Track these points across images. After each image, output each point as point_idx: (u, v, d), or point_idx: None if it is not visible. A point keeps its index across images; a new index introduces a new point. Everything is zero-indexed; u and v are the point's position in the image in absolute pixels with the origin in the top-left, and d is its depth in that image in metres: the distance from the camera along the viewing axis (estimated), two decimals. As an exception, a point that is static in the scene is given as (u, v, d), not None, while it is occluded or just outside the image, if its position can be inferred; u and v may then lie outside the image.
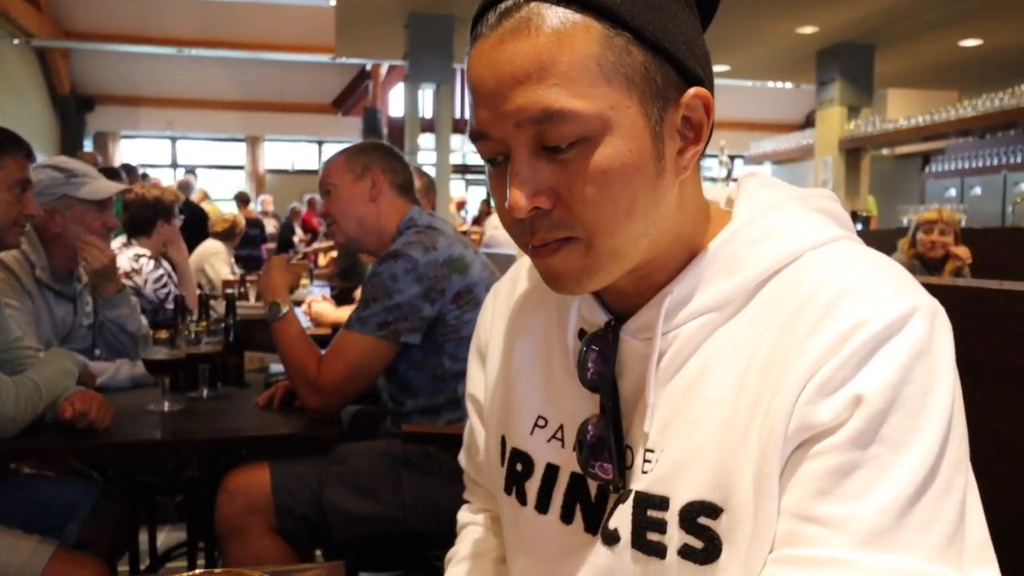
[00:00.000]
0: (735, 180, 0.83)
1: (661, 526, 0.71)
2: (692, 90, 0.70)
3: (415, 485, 1.84)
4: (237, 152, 15.64)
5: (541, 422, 0.85)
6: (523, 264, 0.96)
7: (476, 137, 0.71)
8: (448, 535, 1.78)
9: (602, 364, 0.77)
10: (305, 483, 1.80)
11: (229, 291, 2.46)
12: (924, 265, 4.29)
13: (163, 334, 1.94)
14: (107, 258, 2.26)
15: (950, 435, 0.63)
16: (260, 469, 1.82)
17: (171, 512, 3.28)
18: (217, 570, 0.65)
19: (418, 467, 1.86)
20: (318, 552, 2.09)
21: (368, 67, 13.87)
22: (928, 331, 0.64)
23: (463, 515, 1.07)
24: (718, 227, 0.76)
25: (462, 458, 1.03)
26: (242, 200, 9.90)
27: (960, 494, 0.62)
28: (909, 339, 0.63)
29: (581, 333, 0.81)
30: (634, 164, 0.67)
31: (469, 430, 1.00)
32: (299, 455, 1.87)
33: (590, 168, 0.67)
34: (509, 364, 0.90)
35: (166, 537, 3.13)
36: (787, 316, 0.68)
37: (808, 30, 8.44)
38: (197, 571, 0.64)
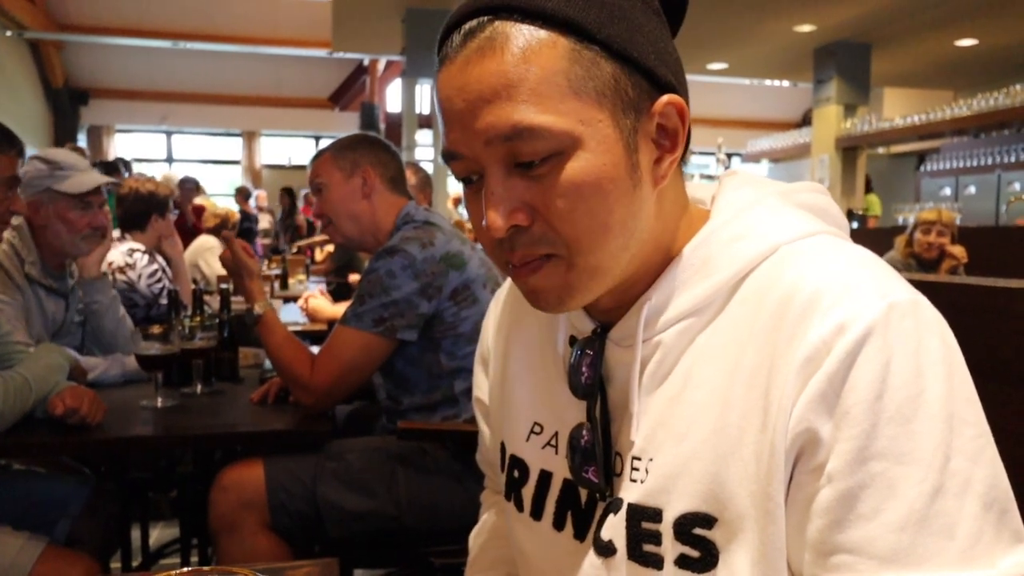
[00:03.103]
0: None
1: (656, 538, 0.71)
2: (664, 98, 0.70)
3: (410, 481, 1.83)
4: (233, 147, 15.59)
5: (537, 428, 0.85)
6: None
7: (448, 157, 0.71)
8: (444, 531, 1.79)
9: (595, 373, 0.77)
10: (299, 479, 1.79)
11: (224, 286, 2.44)
12: (920, 264, 4.30)
13: (156, 329, 1.93)
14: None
15: (955, 430, 0.61)
16: (254, 465, 1.81)
17: (164, 509, 3.27)
18: (208, 568, 0.64)
19: (413, 463, 1.85)
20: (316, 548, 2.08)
21: (365, 62, 13.83)
22: (912, 328, 0.62)
23: (486, 496, 1.10)
24: (697, 229, 0.75)
25: (478, 458, 1.06)
26: (242, 194, 9.92)
27: (982, 486, 0.61)
28: (891, 342, 0.62)
29: (572, 340, 0.80)
30: (608, 177, 0.67)
31: (480, 432, 1.02)
32: (294, 451, 1.85)
33: (564, 182, 0.66)
34: (506, 371, 0.91)
35: (159, 534, 3.12)
36: (767, 319, 0.67)
37: (805, 28, 8.45)
38: (187, 569, 0.63)
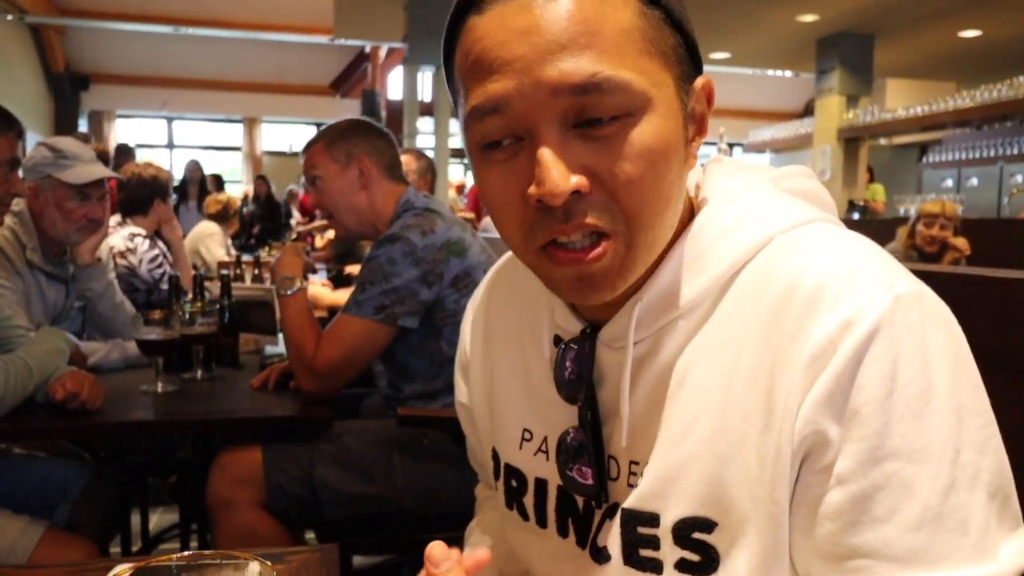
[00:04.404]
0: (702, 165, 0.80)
1: (654, 542, 0.69)
2: (702, 79, 0.68)
3: (407, 466, 1.83)
4: (234, 133, 15.57)
5: (527, 435, 0.82)
6: (496, 274, 0.93)
7: (487, 111, 0.63)
8: (442, 516, 1.79)
9: (579, 368, 0.74)
10: (297, 461, 1.80)
11: (224, 272, 2.44)
12: (921, 257, 4.29)
13: (157, 314, 1.93)
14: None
15: (964, 421, 0.60)
16: (253, 447, 1.82)
17: (164, 494, 3.28)
18: (208, 552, 0.64)
19: (411, 449, 1.85)
20: (310, 535, 2.08)
21: (367, 49, 13.78)
22: (917, 321, 0.61)
23: (480, 490, 1.08)
24: (685, 220, 0.72)
25: (469, 456, 1.04)
26: (217, 182, 9.55)
27: (988, 475, 0.60)
28: (897, 337, 0.60)
29: (557, 340, 0.78)
30: (673, 146, 0.64)
31: (467, 435, 1.00)
32: (294, 437, 1.86)
33: (635, 145, 0.61)
34: (492, 378, 0.88)
35: (158, 519, 3.12)
36: (766, 314, 0.65)
37: (808, 18, 8.42)
38: (186, 553, 0.63)
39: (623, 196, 0.62)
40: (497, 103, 0.62)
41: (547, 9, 0.60)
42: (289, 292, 1.91)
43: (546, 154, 0.61)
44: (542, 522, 0.81)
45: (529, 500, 0.82)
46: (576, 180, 0.61)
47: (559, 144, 0.61)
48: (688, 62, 0.67)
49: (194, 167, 7.70)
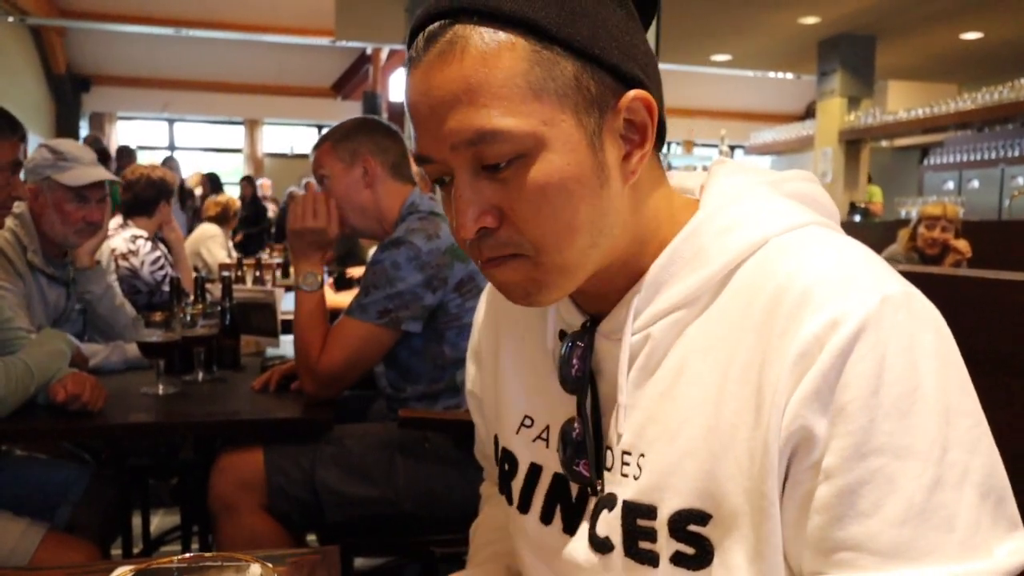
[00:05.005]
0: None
1: (651, 535, 0.71)
2: (631, 93, 0.69)
3: (409, 469, 1.83)
4: (235, 135, 15.58)
5: (528, 422, 0.85)
6: None
7: (420, 161, 0.71)
8: (444, 519, 1.79)
9: (584, 366, 0.77)
10: (298, 463, 1.80)
11: (225, 274, 2.44)
12: (922, 259, 4.29)
13: (158, 316, 1.93)
14: None
15: (952, 422, 0.61)
16: (254, 448, 1.82)
17: (165, 496, 3.28)
18: (209, 554, 0.64)
19: (413, 451, 1.85)
20: (312, 536, 2.08)
21: (368, 51, 13.79)
22: (905, 321, 0.62)
23: (486, 488, 1.10)
24: (683, 219, 0.74)
25: (476, 450, 1.06)
26: (212, 182, 9.40)
27: (979, 475, 0.61)
28: (884, 337, 0.61)
29: (562, 334, 0.80)
30: (573, 177, 0.67)
31: (476, 424, 1.03)
32: (295, 439, 1.86)
33: (529, 185, 0.67)
34: (498, 365, 0.91)
35: (160, 521, 3.13)
36: (758, 314, 0.67)
37: (810, 20, 8.42)
38: (188, 555, 0.64)
39: (525, 229, 0.68)
40: (422, 156, 0.71)
41: (438, 72, 0.66)
42: (316, 288, 1.91)
43: (457, 198, 0.69)
44: (524, 507, 0.84)
45: (517, 484, 0.85)
46: (481, 221, 0.68)
47: (469, 185, 0.68)
48: (602, 84, 0.68)
49: (173, 166, 7.63)
